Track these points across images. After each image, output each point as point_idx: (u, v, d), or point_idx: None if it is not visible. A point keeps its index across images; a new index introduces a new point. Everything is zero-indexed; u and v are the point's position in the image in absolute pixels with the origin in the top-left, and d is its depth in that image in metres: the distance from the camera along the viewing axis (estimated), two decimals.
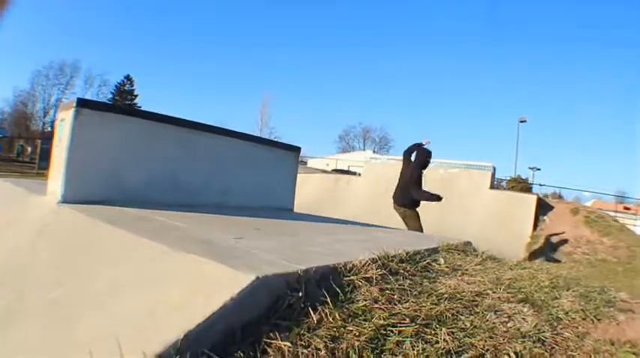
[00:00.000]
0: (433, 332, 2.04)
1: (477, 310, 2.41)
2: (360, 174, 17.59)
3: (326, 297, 2.04)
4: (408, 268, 2.74)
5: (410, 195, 8.04)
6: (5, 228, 3.75)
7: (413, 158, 8.36)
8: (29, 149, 52.02)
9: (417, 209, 8.18)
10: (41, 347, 1.96)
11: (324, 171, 22.61)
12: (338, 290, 2.14)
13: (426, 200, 8.05)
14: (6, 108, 66.26)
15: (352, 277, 2.31)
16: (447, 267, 3.09)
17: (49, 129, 63.73)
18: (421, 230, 7.69)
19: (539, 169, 40.45)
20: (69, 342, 1.89)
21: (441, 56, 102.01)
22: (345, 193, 15.40)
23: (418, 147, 8.40)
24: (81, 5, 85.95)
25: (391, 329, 1.98)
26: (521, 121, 36.44)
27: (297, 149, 7.15)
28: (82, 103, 4.10)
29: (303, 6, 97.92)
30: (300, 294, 1.98)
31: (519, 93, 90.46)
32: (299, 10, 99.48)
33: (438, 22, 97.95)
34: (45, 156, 36.01)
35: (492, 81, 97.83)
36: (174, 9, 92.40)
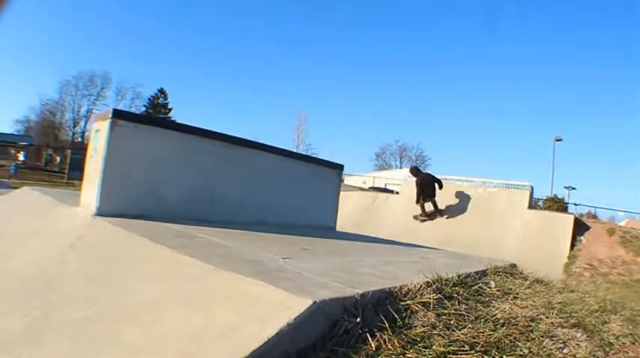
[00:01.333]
0: None
1: (533, 336, 2.32)
2: (397, 192, 17.55)
3: (384, 323, 1.93)
4: (462, 292, 2.65)
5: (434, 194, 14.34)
6: (30, 237, 3.68)
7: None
8: (58, 158, 52.89)
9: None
10: None
11: (362, 189, 22.70)
12: (395, 315, 2.03)
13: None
14: (32, 117, 66.96)
15: (409, 302, 2.21)
16: (498, 290, 3.00)
17: (80, 139, 64.80)
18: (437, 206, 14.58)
19: (574, 188, 39.69)
20: None
21: (476, 75, 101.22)
22: (384, 211, 15.40)
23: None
24: (110, 16, 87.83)
25: (451, 356, 1.87)
26: (557, 140, 35.88)
27: (340, 167, 7.07)
28: (118, 114, 4.07)
29: (339, 25, 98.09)
30: (358, 320, 1.87)
31: (555, 112, 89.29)
32: (335, 28, 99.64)
33: (473, 46, 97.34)
34: (75, 166, 36.64)
35: (529, 100, 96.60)
36: (208, 26, 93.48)
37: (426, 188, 14.13)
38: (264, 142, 5.63)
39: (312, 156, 7.02)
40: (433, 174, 14.78)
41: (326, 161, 6.88)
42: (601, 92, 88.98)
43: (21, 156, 51.36)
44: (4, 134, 50.84)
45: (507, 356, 1.99)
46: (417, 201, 14.24)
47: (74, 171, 36.24)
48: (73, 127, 68.40)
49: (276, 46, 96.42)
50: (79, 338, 2.00)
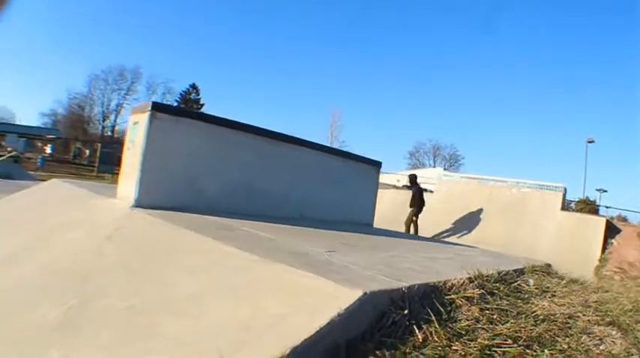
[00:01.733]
0: (535, 353, 1.99)
1: (571, 332, 2.39)
2: (432, 191, 17.45)
3: (430, 315, 1.97)
4: (502, 288, 2.69)
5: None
6: (65, 229, 3.66)
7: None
8: (87, 152, 53.50)
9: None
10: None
11: (396, 187, 22.54)
12: (440, 308, 2.07)
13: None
14: (59, 110, 66.85)
15: (453, 296, 2.25)
16: (536, 288, 3.04)
17: (109, 133, 65.41)
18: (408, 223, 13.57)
19: (605, 191, 38.73)
20: (143, 353, 1.77)
21: (509, 79, 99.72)
22: None
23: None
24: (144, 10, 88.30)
25: (495, 349, 1.91)
26: (589, 142, 35.16)
27: (379, 164, 7.07)
28: (157, 107, 4.12)
29: (372, 25, 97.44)
30: (405, 311, 1.90)
31: (588, 114, 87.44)
32: (368, 30, 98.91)
33: (504, 48, 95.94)
34: (105, 160, 37.17)
35: (562, 102, 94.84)
36: (240, 22, 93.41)
37: (419, 202, 13.71)
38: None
39: (351, 152, 7.00)
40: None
41: (365, 158, 6.89)
42: (631, 94, 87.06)
43: (48, 149, 51.99)
44: (31, 127, 50.95)
45: (548, 350, 2.05)
46: (413, 212, 13.58)
47: (104, 165, 36.67)
48: (103, 121, 68.52)
49: (310, 45, 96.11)
50: (118, 329, 1.99)
